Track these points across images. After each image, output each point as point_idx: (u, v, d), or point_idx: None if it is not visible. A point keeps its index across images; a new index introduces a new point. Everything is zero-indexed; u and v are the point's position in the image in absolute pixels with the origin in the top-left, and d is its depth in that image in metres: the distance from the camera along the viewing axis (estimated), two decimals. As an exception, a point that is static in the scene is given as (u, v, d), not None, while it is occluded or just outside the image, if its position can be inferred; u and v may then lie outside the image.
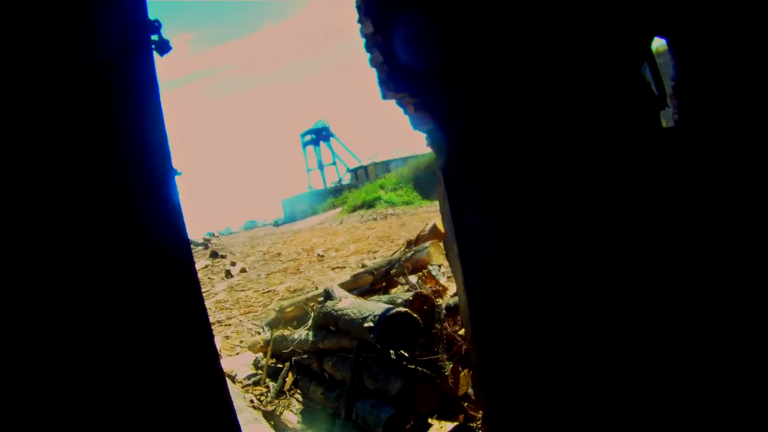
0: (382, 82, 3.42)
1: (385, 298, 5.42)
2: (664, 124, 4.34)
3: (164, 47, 2.70)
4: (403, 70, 3.40)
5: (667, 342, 3.74)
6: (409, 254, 6.23)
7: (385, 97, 3.45)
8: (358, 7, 3.43)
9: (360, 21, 3.44)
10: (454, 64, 3.57)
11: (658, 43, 4.40)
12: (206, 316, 2.54)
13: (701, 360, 3.75)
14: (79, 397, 2.17)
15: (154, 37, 2.64)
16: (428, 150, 3.74)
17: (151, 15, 2.61)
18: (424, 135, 3.54)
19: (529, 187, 3.64)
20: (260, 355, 7.30)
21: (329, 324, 5.51)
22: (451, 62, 3.56)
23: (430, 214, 24.57)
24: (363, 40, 3.48)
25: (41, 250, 2.17)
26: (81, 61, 2.34)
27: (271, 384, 6.22)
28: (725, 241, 3.96)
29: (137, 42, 2.55)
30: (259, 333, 8.90)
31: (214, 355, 2.55)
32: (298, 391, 5.78)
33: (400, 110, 3.59)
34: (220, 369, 2.54)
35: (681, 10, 4.23)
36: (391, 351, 4.69)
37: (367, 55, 3.49)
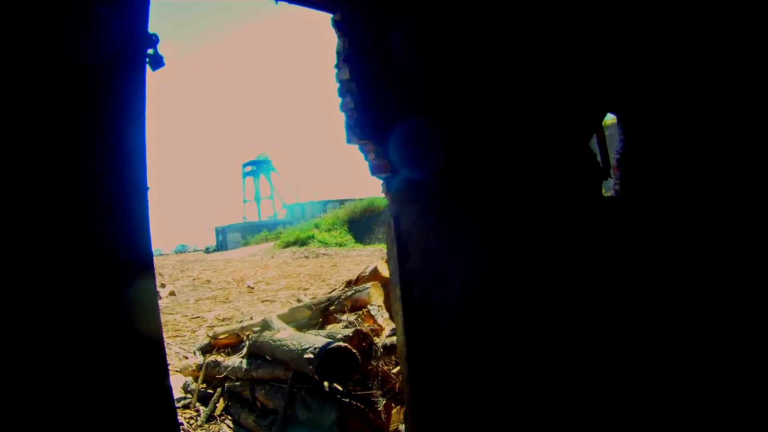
0: (350, 128, 3.61)
1: (323, 332, 5.52)
2: (604, 193, 4.66)
3: (158, 62, 2.77)
4: (370, 119, 3.59)
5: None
6: (349, 293, 6.35)
7: (350, 141, 3.63)
8: (338, 53, 3.62)
9: (338, 66, 3.62)
10: (416, 124, 3.81)
11: (606, 116, 4.74)
12: (160, 330, 2.62)
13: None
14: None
15: (150, 51, 2.72)
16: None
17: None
18: (381, 182, 3.73)
19: (476, 241, 3.87)
20: (190, 379, 7.26)
21: (265, 353, 5.58)
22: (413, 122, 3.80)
23: (362, 258, 24.70)
24: (337, 85, 3.66)
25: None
26: (68, 59, 2.36)
27: (202, 408, 6.21)
28: (653, 295, 4.34)
29: (132, 53, 2.61)
30: (186, 357, 8.83)
31: (165, 371, 2.60)
32: (229, 417, 5.80)
33: (359, 155, 3.79)
34: (169, 386, 2.61)
35: (633, 91, 4.56)
36: (326, 384, 4.80)
37: (339, 100, 3.67)
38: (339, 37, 3.61)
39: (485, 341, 3.83)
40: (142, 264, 2.55)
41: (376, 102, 3.62)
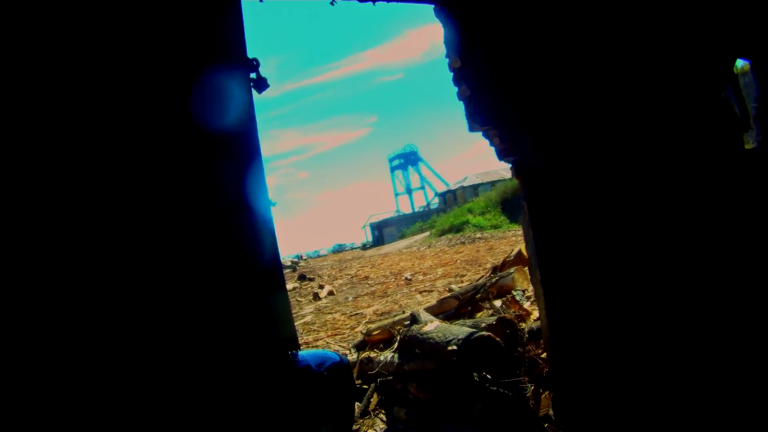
0: (469, 116, 3.55)
1: (469, 322, 5.49)
2: (748, 146, 4.29)
3: (262, 85, 2.89)
4: (488, 106, 3.51)
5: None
6: (494, 280, 6.29)
7: (471, 129, 3.58)
8: (446, 42, 3.57)
9: (448, 56, 3.57)
10: (532, 106, 3.67)
11: (741, 64, 4.34)
12: (294, 333, 2.73)
13: None
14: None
15: (252, 75, 2.82)
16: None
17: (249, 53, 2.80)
18: (509, 165, 3.65)
19: (608, 217, 3.69)
20: (346, 376, 7.43)
21: (414, 347, 5.62)
22: (529, 105, 3.66)
23: (518, 238, 24.37)
24: (451, 74, 3.61)
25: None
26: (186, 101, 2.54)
27: (357, 404, 6.35)
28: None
29: (237, 80, 2.72)
30: (346, 355, 9.06)
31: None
32: (383, 411, 5.88)
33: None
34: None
35: (764, 33, 4.18)
36: (474, 373, 4.76)
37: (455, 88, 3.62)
38: (444, 26, 3.56)
39: (628, 322, 3.64)
40: (270, 271, 2.71)
41: (491, 87, 3.55)
